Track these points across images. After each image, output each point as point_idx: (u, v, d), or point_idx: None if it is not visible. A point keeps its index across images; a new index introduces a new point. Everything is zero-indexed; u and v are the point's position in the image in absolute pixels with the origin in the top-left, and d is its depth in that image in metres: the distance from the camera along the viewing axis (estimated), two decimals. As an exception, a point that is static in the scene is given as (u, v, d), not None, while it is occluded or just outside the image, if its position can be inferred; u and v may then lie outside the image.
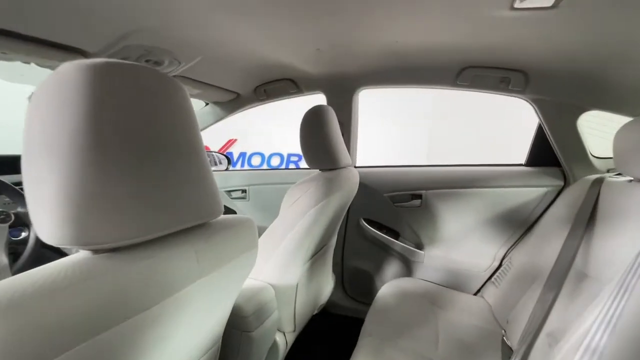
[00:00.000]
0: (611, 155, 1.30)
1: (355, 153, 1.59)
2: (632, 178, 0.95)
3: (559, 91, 1.15)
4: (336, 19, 0.88)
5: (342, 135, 1.20)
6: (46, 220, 0.36)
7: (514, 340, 1.06)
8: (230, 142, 5.32)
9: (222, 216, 0.57)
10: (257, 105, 1.66)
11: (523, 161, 1.41)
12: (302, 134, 1.09)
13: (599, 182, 1.07)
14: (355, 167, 1.61)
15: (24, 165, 0.38)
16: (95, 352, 0.36)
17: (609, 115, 1.21)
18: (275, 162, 5.32)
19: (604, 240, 0.93)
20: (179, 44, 1.02)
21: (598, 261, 0.91)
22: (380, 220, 1.60)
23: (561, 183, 1.28)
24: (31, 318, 0.31)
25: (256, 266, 0.98)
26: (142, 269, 0.41)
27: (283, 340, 1.11)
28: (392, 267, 1.58)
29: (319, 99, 1.51)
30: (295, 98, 1.59)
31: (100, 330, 0.36)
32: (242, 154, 5.43)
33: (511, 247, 1.39)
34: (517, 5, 0.70)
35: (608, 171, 1.13)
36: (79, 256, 0.39)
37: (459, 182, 1.45)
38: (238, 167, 5.27)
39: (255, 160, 5.38)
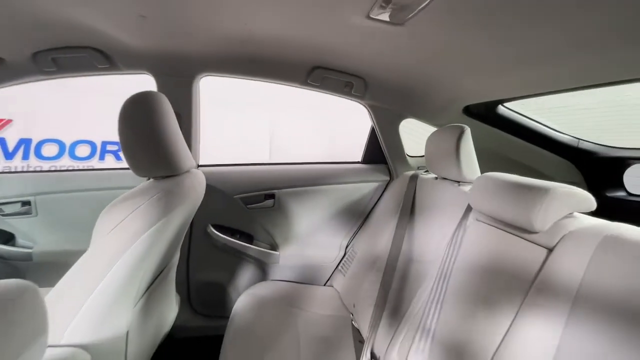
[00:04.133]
0: (417, 154, 1.64)
1: (198, 150, 1.36)
2: (437, 176, 1.20)
3: (389, 100, 1.33)
4: None
5: (181, 129, 0.96)
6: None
7: (360, 321, 1.17)
8: (-1, 125, 3.68)
9: None
10: (40, 80, 1.13)
11: (359, 159, 1.58)
12: (123, 131, 0.79)
13: (414, 178, 1.31)
14: (199, 166, 1.37)
15: None
16: None
17: (417, 123, 1.49)
18: (82, 152, 4.09)
19: (421, 229, 1.14)
20: None
21: (419, 247, 1.11)
22: (232, 225, 1.45)
23: (387, 178, 1.52)
24: None
25: (56, 327, 0.67)
26: None
27: None
28: (247, 273, 1.47)
29: (146, 81, 1.18)
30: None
31: None
32: (25, 142, 3.88)
33: (352, 236, 1.55)
34: (372, 15, 0.71)
35: (418, 168, 1.41)
36: None
37: (308, 180, 1.48)
38: (17, 161, 3.75)
39: (49, 151, 3.96)
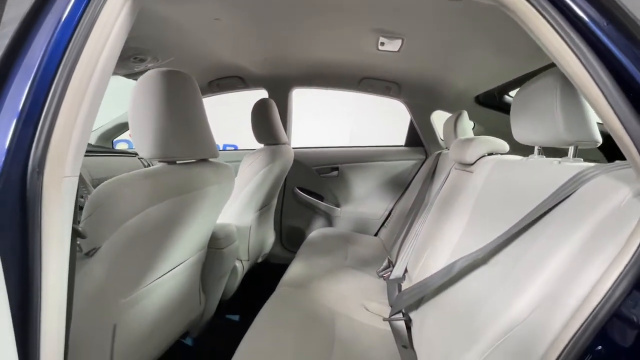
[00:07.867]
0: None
1: (291, 134, 2.08)
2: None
3: (418, 97, 1.82)
4: (280, 35, 1.34)
5: (282, 123, 1.67)
6: (147, 146, 0.78)
7: (392, 253, 1.68)
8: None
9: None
10: (209, 96, 2.02)
11: (403, 143, 2.08)
12: (253, 117, 1.53)
13: (439, 154, 1.76)
14: (292, 147, 2.10)
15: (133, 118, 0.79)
16: (167, 208, 0.80)
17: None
18: (211, 152, 5.46)
19: (432, 186, 1.61)
20: (159, 47, 1.37)
21: (430, 197, 1.57)
22: (310, 188, 2.12)
23: (423, 157, 1.98)
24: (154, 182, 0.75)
25: (223, 211, 1.37)
26: (190, 172, 0.85)
27: (241, 266, 1.55)
28: (318, 222, 2.12)
29: (261, 93, 1.96)
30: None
31: (170, 196, 0.80)
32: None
33: (396, 201, 2.05)
34: (379, 48, 1.28)
35: (447, 148, 1.83)
36: (160, 165, 0.83)
37: (364, 158, 2.06)
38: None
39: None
